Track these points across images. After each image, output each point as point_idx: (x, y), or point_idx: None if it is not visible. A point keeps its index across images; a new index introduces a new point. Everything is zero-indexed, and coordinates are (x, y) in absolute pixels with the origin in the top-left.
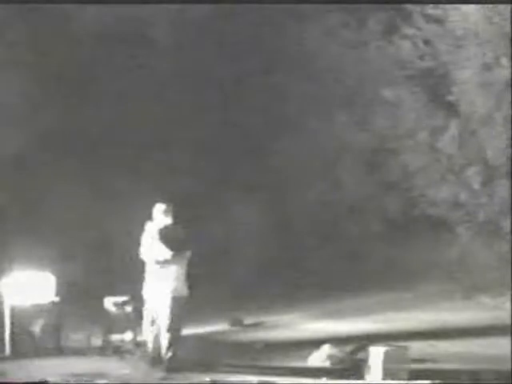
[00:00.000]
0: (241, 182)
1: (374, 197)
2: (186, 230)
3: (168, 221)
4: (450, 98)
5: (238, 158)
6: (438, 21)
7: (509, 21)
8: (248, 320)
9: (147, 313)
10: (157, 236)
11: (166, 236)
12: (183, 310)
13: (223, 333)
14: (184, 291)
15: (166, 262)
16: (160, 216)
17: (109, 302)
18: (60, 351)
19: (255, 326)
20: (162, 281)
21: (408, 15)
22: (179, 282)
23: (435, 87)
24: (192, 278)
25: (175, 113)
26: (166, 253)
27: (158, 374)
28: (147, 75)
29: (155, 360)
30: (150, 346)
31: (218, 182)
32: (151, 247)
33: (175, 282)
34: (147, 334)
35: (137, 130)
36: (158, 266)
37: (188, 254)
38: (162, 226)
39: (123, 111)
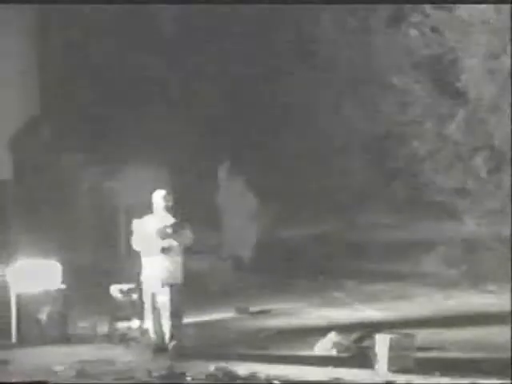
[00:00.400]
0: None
1: (381, 184)
2: (188, 229)
3: (170, 219)
4: (458, 84)
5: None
6: (446, 8)
7: None
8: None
9: (147, 301)
10: (155, 231)
11: (165, 233)
12: (181, 297)
13: (229, 321)
14: (180, 278)
15: (162, 251)
16: (160, 205)
17: (115, 290)
18: (66, 339)
19: (261, 313)
20: (158, 269)
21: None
22: (176, 269)
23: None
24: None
25: None
26: (163, 243)
27: (163, 362)
28: None
29: (159, 348)
30: (152, 334)
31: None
32: (146, 238)
33: (171, 270)
34: (148, 322)
35: None
36: (154, 255)
37: (188, 238)
38: (162, 225)
39: None
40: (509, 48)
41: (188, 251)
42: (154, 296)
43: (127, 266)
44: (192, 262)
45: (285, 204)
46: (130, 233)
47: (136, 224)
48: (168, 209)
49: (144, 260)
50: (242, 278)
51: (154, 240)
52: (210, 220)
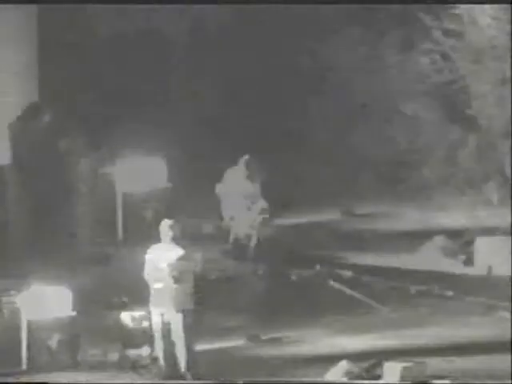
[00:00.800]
0: None
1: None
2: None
3: (179, 252)
4: (469, 111)
5: None
6: (456, 35)
7: None
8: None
9: (156, 329)
10: (165, 264)
11: (175, 264)
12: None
13: (240, 348)
14: (191, 304)
15: (174, 282)
16: (168, 235)
17: (126, 317)
18: (77, 366)
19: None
20: (169, 296)
21: (426, 30)
22: (187, 296)
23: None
24: None
25: None
26: (173, 273)
27: None
28: None
29: (169, 376)
30: (163, 362)
31: None
32: (157, 269)
33: (182, 297)
34: (158, 351)
35: None
36: (165, 284)
37: (198, 265)
38: (173, 259)
39: None
40: None
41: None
42: (164, 323)
43: (125, 253)
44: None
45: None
46: (127, 219)
47: (147, 256)
48: (176, 238)
49: (154, 288)
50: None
51: (164, 271)
52: (210, 210)
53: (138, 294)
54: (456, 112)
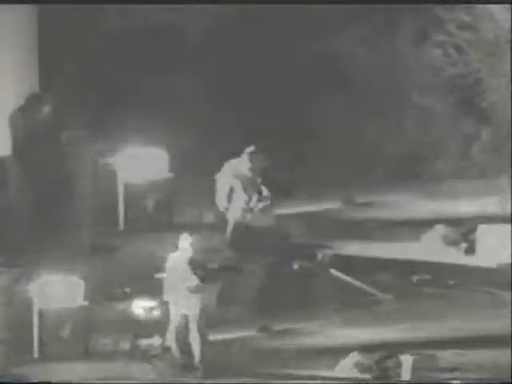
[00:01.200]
0: None
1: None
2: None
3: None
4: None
5: None
6: (470, 28)
7: None
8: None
9: (173, 319)
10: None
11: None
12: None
13: (251, 339)
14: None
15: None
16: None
17: (137, 307)
18: (88, 355)
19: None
20: (187, 289)
21: (440, 22)
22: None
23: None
24: None
25: None
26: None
27: (192, 380)
28: None
29: (184, 366)
30: (176, 352)
31: None
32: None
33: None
34: (172, 341)
35: None
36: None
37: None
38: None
39: None
40: None
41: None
42: (181, 313)
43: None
44: None
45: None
46: (128, 209)
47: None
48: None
49: (172, 279)
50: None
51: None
52: (211, 199)
53: (141, 285)
54: (470, 105)
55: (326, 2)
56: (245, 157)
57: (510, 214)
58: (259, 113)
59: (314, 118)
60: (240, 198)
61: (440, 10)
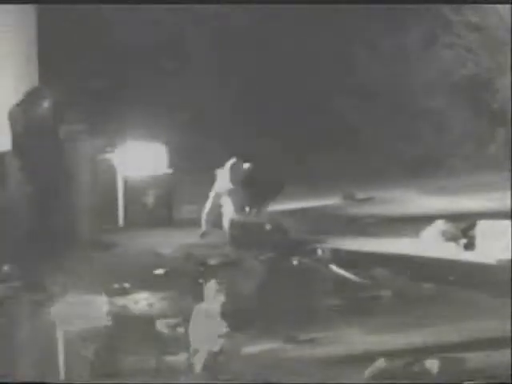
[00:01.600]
0: None
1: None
2: None
3: None
4: (495, 105)
5: None
6: (478, 28)
7: None
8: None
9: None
10: None
11: None
12: None
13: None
14: None
15: None
16: None
17: (161, 324)
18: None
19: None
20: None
21: (448, 23)
22: None
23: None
24: None
25: None
26: None
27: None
28: None
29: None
30: (199, 368)
31: None
32: None
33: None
34: (196, 358)
35: None
36: None
37: None
38: None
39: None
40: None
41: None
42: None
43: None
44: None
45: None
46: (127, 205)
47: None
48: None
49: None
50: None
51: None
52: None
53: (140, 280)
54: (482, 106)
55: (335, 2)
56: (226, 169)
57: (510, 210)
58: (261, 109)
59: (316, 115)
60: (228, 209)
61: (447, 10)
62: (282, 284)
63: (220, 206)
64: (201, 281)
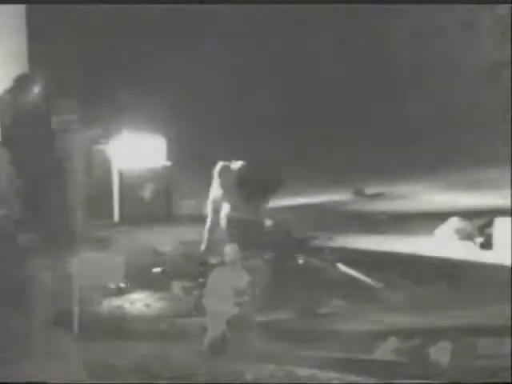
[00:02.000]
0: None
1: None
2: None
3: None
4: None
5: None
6: None
7: None
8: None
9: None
10: None
11: None
12: None
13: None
14: None
15: None
16: None
17: (177, 287)
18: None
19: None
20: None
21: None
22: None
23: None
24: None
25: None
26: None
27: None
28: None
29: (218, 348)
30: (211, 333)
31: None
32: None
33: None
34: (208, 323)
35: None
36: None
37: None
38: None
39: None
40: None
41: None
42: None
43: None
44: None
45: None
46: (123, 199)
47: None
48: None
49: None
50: None
51: None
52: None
53: (136, 279)
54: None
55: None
56: (215, 175)
57: None
58: (261, 100)
59: (323, 107)
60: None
61: None
62: (287, 283)
63: (218, 212)
64: (201, 280)
